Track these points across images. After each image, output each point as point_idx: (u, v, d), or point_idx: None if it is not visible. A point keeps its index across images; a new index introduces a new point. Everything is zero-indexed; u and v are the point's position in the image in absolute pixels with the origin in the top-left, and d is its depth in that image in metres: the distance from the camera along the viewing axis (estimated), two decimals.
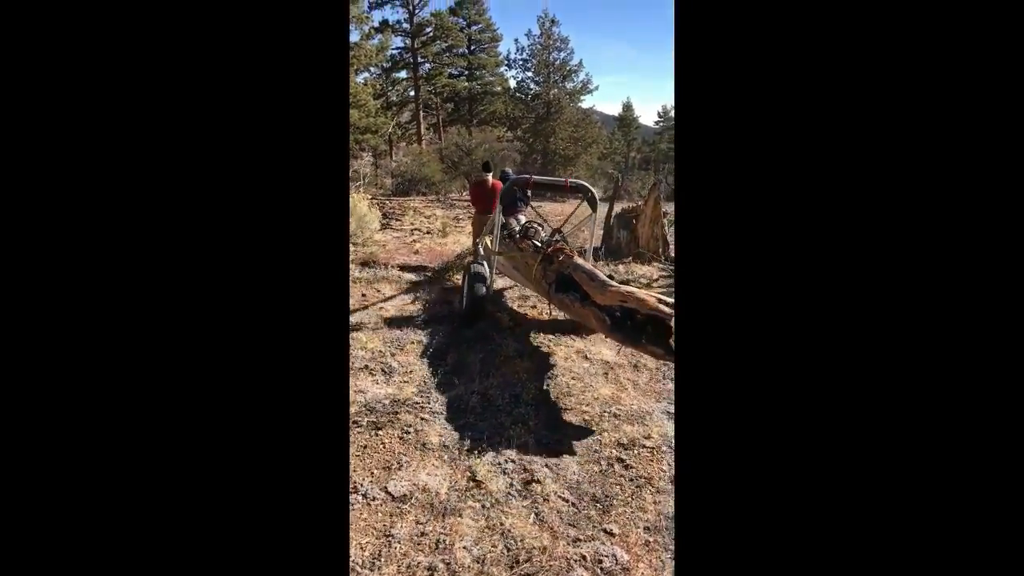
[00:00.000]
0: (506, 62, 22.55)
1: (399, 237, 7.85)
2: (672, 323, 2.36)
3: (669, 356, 2.41)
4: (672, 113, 26.20)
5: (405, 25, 21.94)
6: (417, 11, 21.81)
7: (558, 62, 21.07)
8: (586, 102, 23.04)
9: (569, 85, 21.50)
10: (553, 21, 20.55)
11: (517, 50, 21.60)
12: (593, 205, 3.98)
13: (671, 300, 2.46)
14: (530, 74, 21.55)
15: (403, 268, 5.77)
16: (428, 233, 8.27)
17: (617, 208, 7.14)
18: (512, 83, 22.90)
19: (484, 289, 3.72)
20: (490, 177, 5.29)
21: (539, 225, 4.25)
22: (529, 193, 4.58)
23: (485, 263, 3.94)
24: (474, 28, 23.39)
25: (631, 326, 2.59)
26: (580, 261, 3.22)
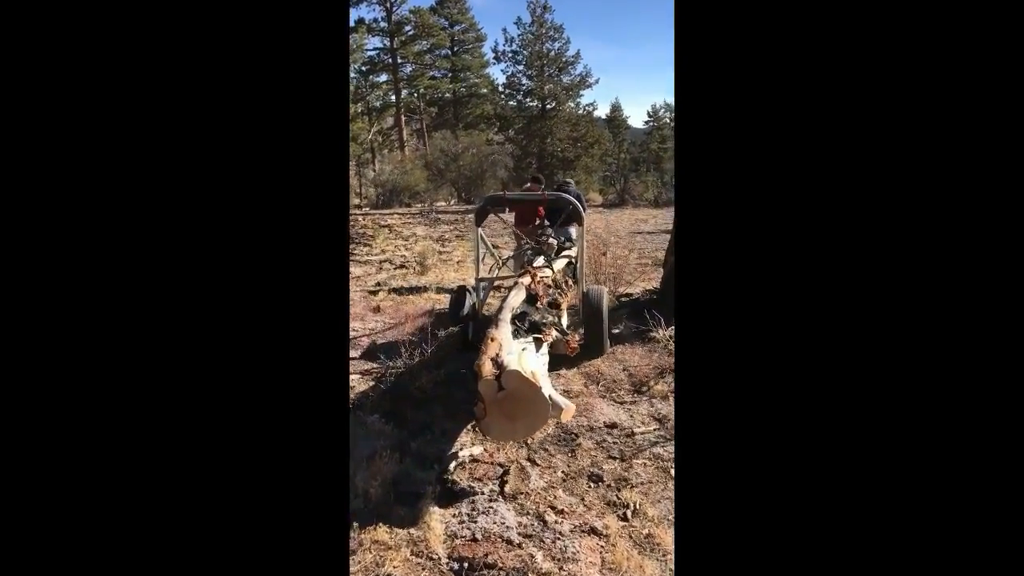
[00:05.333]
0: (493, 54, 20.21)
1: (359, 277, 5.82)
2: (480, 386, 1.97)
3: (471, 419, 2.28)
4: (661, 112, 23.82)
5: (383, 24, 20.00)
6: (395, 8, 19.85)
7: (552, 53, 19.00)
8: (586, 98, 21.01)
9: (566, 79, 19.40)
10: (545, 7, 18.51)
11: (506, 41, 19.31)
12: (579, 219, 3.59)
13: (509, 365, 2.04)
14: (521, 67, 19.42)
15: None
16: (401, 267, 6.25)
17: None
18: (501, 78, 20.82)
19: (466, 311, 3.65)
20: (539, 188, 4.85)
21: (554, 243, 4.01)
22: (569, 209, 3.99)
23: (473, 292, 3.73)
24: (457, 28, 21.39)
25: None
26: (516, 289, 3.16)
